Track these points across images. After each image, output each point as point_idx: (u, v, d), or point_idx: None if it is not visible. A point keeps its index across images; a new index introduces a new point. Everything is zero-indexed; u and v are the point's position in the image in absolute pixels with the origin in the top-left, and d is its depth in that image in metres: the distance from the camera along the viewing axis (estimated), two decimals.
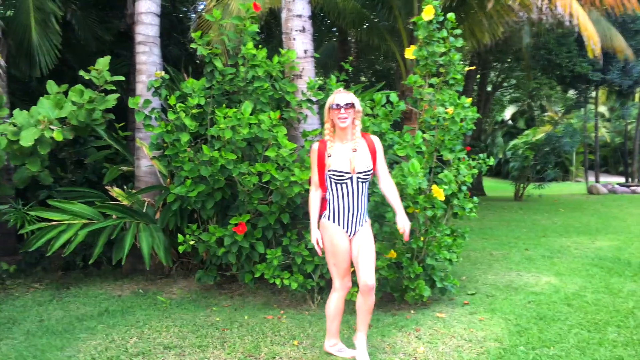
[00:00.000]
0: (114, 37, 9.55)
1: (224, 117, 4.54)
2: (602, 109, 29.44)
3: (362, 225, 3.53)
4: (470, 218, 5.09)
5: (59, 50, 7.48)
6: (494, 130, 32.15)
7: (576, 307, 4.90)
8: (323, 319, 4.57)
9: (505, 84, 19.15)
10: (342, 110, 3.38)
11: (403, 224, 3.48)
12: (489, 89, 18.30)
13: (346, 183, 3.42)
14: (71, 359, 3.77)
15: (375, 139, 3.57)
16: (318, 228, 3.54)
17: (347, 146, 3.44)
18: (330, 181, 3.46)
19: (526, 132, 29.60)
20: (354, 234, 3.53)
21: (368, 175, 3.46)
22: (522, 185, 15.01)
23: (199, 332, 4.25)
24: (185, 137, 4.65)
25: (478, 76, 16.45)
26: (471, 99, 4.87)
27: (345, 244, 3.51)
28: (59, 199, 5.79)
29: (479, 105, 16.71)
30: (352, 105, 3.39)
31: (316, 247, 3.51)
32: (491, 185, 22.27)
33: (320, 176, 3.50)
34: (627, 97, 16.67)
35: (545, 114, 29.24)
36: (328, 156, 3.43)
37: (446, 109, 4.76)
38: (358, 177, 3.42)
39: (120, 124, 6.55)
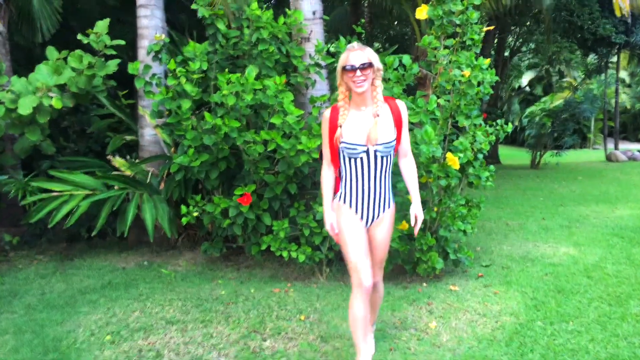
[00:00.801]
0: (119, 3, 9.28)
1: (227, 83, 4.32)
2: (623, 74, 28.61)
3: (383, 211, 2.92)
4: (486, 188, 4.86)
5: (63, 16, 7.24)
6: (510, 97, 31.43)
7: (596, 279, 4.69)
8: (331, 292, 4.43)
9: (523, 49, 18.55)
10: (358, 73, 2.69)
11: (416, 215, 2.93)
12: (506, 54, 17.75)
13: (361, 158, 2.79)
14: (70, 334, 3.66)
15: (402, 105, 2.88)
16: (332, 210, 2.97)
17: (366, 113, 2.79)
18: (343, 155, 2.83)
19: (543, 99, 28.94)
20: (372, 222, 2.94)
21: (390, 148, 2.80)
22: (538, 153, 14.64)
23: (203, 307, 4.12)
24: (186, 104, 4.43)
25: (495, 40, 15.92)
26: (489, 60, 4.58)
27: (360, 233, 2.90)
28: (61, 169, 5.64)
29: (496, 71, 16.21)
30: (370, 65, 2.71)
31: (331, 233, 2.97)
32: (507, 153, 21.86)
33: (332, 150, 2.87)
34: None
35: (564, 79, 28.50)
36: (340, 126, 2.79)
37: (462, 71, 4.48)
38: (377, 150, 2.77)
39: (124, 92, 6.34)
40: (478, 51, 4.82)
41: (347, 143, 2.78)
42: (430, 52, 4.66)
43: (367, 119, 2.79)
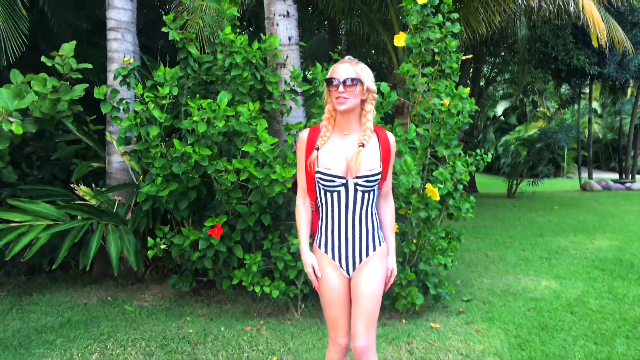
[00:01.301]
0: (92, 26, 9.07)
1: (198, 109, 4.12)
2: (595, 104, 29.23)
3: (367, 255, 2.43)
4: (466, 219, 4.72)
5: (33, 38, 6.99)
6: (486, 126, 31.87)
7: (580, 315, 4.54)
8: (306, 330, 4.20)
9: (498, 78, 18.79)
10: (341, 88, 2.30)
11: (391, 270, 2.51)
12: (482, 83, 17.94)
13: (339, 192, 2.37)
14: None
15: (392, 138, 2.47)
16: (311, 250, 2.51)
17: (349, 139, 2.38)
18: (319, 187, 2.40)
19: (518, 128, 29.37)
20: (354, 268, 2.45)
21: (373, 182, 2.37)
22: (515, 182, 14.68)
23: (169, 347, 3.84)
24: (154, 131, 4.21)
25: (471, 70, 16.08)
26: (469, 89, 4.48)
27: (338, 285, 2.44)
28: (23, 197, 5.34)
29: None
30: (358, 82, 2.31)
31: (312, 278, 2.47)
32: (483, 182, 21.95)
33: (308, 177, 2.44)
34: (621, 92, 16.35)
35: (538, 109, 28.99)
36: (317, 148, 2.38)
37: (442, 100, 4.36)
38: (357, 184, 2.35)
39: (92, 117, 6.09)
40: (457, 80, 4.73)
41: (323, 173, 2.35)
42: (408, 79, 4.54)
43: (349, 147, 2.37)
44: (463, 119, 4.57)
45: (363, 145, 2.34)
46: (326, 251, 2.44)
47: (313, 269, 2.46)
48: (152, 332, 4.15)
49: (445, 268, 4.57)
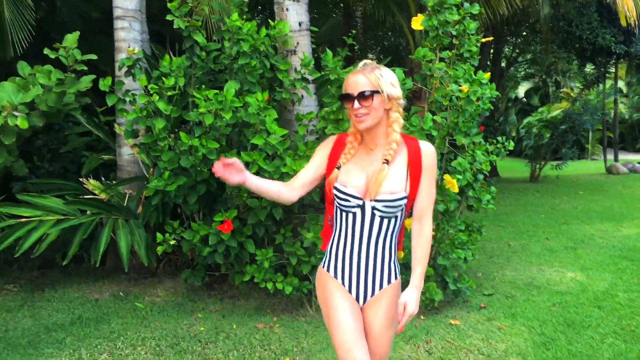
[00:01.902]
0: (103, 15, 8.95)
1: (205, 100, 3.96)
2: (620, 84, 28.43)
3: (380, 287, 2.10)
4: (487, 210, 4.51)
5: (43, 29, 6.90)
6: (508, 108, 31.25)
7: (608, 310, 4.33)
8: (321, 327, 4.06)
9: (520, 59, 18.28)
10: (356, 104, 1.98)
11: (405, 304, 2.05)
12: (503, 64, 17.48)
13: (354, 213, 2.04)
14: None
15: (426, 150, 2.06)
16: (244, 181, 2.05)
17: (374, 155, 2.06)
18: (336, 203, 2.09)
19: (540, 109, 28.69)
20: (365, 301, 2.12)
21: (394, 208, 2.00)
22: (537, 165, 14.30)
23: (179, 347, 3.73)
24: (160, 124, 4.07)
25: (492, 51, 15.65)
26: (489, 74, 4.24)
27: (349, 311, 2.09)
28: (34, 191, 5.27)
29: (493, 82, 15.96)
30: (374, 93, 1.97)
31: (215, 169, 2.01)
32: (505, 165, 21.48)
33: (327, 193, 2.11)
34: None
35: (561, 90, 28.28)
36: (338, 167, 2.09)
37: (460, 86, 4.14)
38: (375, 208, 2.01)
39: (102, 108, 5.98)
40: (476, 63, 4.50)
41: (339, 190, 2.04)
42: (424, 65, 4.32)
43: (373, 163, 2.04)
44: (483, 105, 4.34)
45: (387, 162, 2.00)
46: (335, 276, 2.12)
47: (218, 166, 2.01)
48: (163, 330, 4.05)
49: (465, 262, 4.39)
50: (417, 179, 2.04)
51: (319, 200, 4.39)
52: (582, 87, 18.76)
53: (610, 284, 5.01)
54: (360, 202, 2.03)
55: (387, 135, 2.05)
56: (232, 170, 2.03)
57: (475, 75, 4.15)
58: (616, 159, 17.33)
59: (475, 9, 4.24)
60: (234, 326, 4.11)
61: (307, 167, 2.21)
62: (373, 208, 2.01)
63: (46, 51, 4.46)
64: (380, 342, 2.11)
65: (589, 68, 18.19)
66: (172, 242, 4.31)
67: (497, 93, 4.30)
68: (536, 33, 14.13)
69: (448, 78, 4.27)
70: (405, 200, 2.02)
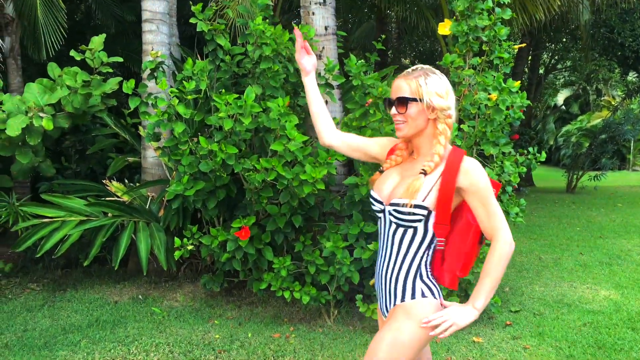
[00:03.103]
0: (136, 17, 9.08)
1: (225, 105, 3.91)
2: None
3: (392, 304, 1.98)
4: (515, 224, 4.32)
5: (79, 31, 7.02)
6: (546, 116, 30.54)
7: None
8: (337, 340, 3.95)
9: (559, 66, 17.79)
10: (393, 110, 1.94)
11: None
12: (541, 71, 17.04)
13: (380, 219, 2.03)
14: None
15: (466, 168, 1.88)
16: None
17: (414, 165, 1.99)
18: None
19: (580, 117, 27.94)
20: (387, 312, 2.03)
21: (402, 213, 1.89)
22: (575, 175, 13.85)
23: (192, 354, 3.68)
24: (179, 127, 4.03)
25: (529, 57, 15.27)
26: (519, 82, 4.06)
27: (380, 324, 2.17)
28: (59, 191, 5.32)
29: (530, 89, 15.54)
30: (410, 102, 1.89)
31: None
32: (541, 174, 21.00)
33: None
34: None
35: (602, 98, 27.46)
36: (380, 171, 2.09)
37: (489, 94, 3.97)
38: (389, 212, 1.94)
39: (129, 110, 6.01)
40: (508, 71, 4.33)
41: (371, 194, 2.05)
42: (452, 71, 4.17)
43: (409, 172, 1.97)
44: (513, 114, 4.16)
45: (425, 173, 1.88)
46: (376, 287, 2.08)
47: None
48: (178, 335, 4.00)
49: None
50: (449, 196, 1.87)
51: (339, 208, 4.29)
52: (623, 95, 18.11)
53: None
54: (382, 207, 1.98)
55: (432, 146, 1.94)
56: (305, 54, 2.25)
57: (505, 83, 3.97)
58: None
59: (507, 14, 4.07)
60: (249, 335, 4.03)
61: (365, 138, 2.19)
62: (389, 213, 1.95)
63: (72, 53, 4.48)
64: (378, 339, 1.92)
65: (631, 76, 17.60)
66: (190, 247, 4.26)
67: (528, 102, 4.11)
68: (576, 40, 13.71)
69: (477, 86, 4.11)
70: (418, 211, 1.86)
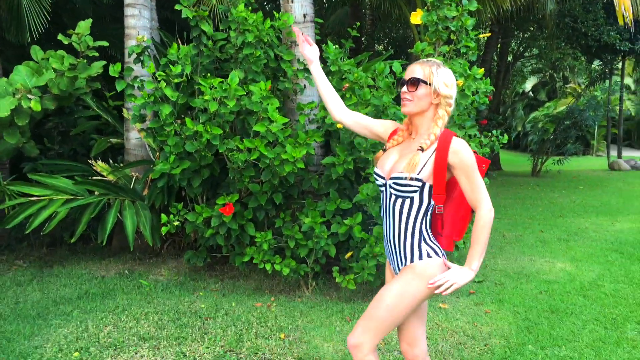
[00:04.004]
0: (113, 1, 9.13)
1: (210, 88, 4.14)
2: (628, 80, 28.37)
3: (404, 264, 2.24)
4: None
5: (55, 14, 7.08)
6: (514, 102, 31.28)
7: (592, 299, 4.50)
8: (315, 308, 4.26)
9: (527, 54, 18.32)
10: (404, 88, 2.22)
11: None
12: (509, 58, 17.53)
13: (382, 192, 2.30)
14: (37, 349, 3.48)
15: (454, 149, 2.14)
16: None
17: (412, 143, 2.27)
18: None
19: (547, 104, 28.73)
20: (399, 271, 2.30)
21: (401, 185, 2.17)
22: (540, 160, 14.43)
23: (180, 321, 3.94)
24: (166, 109, 4.25)
25: (498, 45, 15.71)
26: (483, 69, 4.39)
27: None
28: (44, 171, 5.48)
29: (499, 75, 16.01)
30: (419, 82, 2.18)
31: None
32: (509, 159, 21.66)
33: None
34: None
35: (568, 85, 28.27)
36: (384, 149, 2.38)
37: (456, 80, 4.29)
38: (390, 185, 2.22)
39: (111, 93, 6.17)
40: (474, 58, 4.65)
41: (375, 171, 2.33)
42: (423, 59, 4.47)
43: (409, 149, 2.25)
44: (479, 99, 4.50)
45: (422, 150, 2.16)
46: (385, 250, 2.37)
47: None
48: (165, 305, 4.26)
49: (457, 249, 4.56)
50: (441, 169, 2.15)
51: (317, 187, 4.59)
52: (586, 83, 18.78)
53: (598, 274, 5.18)
54: (384, 181, 2.26)
55: (429, 127, 2.21)
56: (307, 46, 2.57)
57: (470, 70, 4.29)
58: (620, 156, 17.42)
59: (473, 5, 4.38)
60: (233, 304, 4.32)
61: (371, 118, 2.50)
62: (389, 186, 2.22)
63: (60, 37, 4.64)
64: (377, 300, 2.23)
65: (596, 64, 18.24)
66: (176, 224, 4.50)
67: (492, 88, 4.45)
68: (542, 29, 14.20)
69: None
70: (414, 182, 2.15)
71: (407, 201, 2.19)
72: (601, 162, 20.03)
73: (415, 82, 2.18)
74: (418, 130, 2.26)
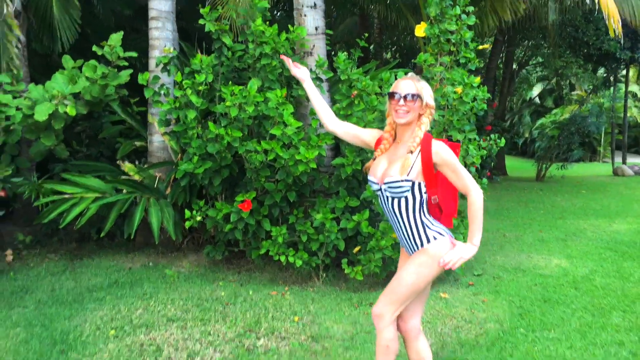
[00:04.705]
0: (133, 12, 9.60)
1: (231, 95, 4.56)
2: (635, 87, 28.59)
3: (416, 249, 2.62)
4: None
5: (79, 24, 7.55)
6: (521, 109, 31.55)
7: (583, 291, 4.85)
8: (326, 296, 4.64)
9: (531, 62, 18.67)
10: (402, 102, 2.56)
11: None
12: (515, 66, 17.88)
13: (379, 195, 2.67)
14: (77, 328, 3.90)
15: (435, 150, 2.53)
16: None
17: (399, 148, 2.62)
18: None
19: (554, 111, 28.96)
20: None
21: (395, 187, 2.54)
22: (544, 165, 14.74)
23: (203, 306, 4.34)
24: (192, 114, 4.68)
25: (503, 53, 16.08)
26: (479, 78, 4.78)
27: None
28: (73, 172, 5.91)
29: (504, 83, 16.36)
30: (417, 97, 2.55)
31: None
32: (515, 165, 21.95)
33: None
34: None
35: (574, 92, 28.52)
36: (374, 158, 2.72)
37: (455, 88, 4.68)
38: (385, 190, 2.59)
39: (135, 99, 6.61)
40: (474, 68, 5.03)
41: (369, 178, 2.68)
42: (425, 68, 4.87)
43: (397, 155, 2.61)
44: (478, 105, 4.88)
45: (411, 152, 2.52)
46: (399, 239, 2.74)
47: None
48: (189, 293, 4.66)
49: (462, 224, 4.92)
50: (428, 167, 2.53)
51: (327, 186, 4.99)
52: (589, 90, 19.08)
53: (591, 270, 5.52)
54: (378, 186, 2.62)
55: (412, 133, 2.58)
56: (297, 69, 2.94)
57: (467, 78, 4.68)
58: (624, 162, 17.67)
59: (472, 20, 4.77)
60: (250, 292, 4.71)
61: (360, 128, 2.88)
62: (384, 190, 2.59)
63: (95, 48, 5.09)
64: (396, 278, 2.66)
65: (601, 72, 18.54)
66: (199, 219, 4.91)
67: (488, 95, 4.83)
68: (545, 38, 14.57)
69: (446, 81, 4.81)
70: (406, 184, 2.51)
71: (403, 200, 2.56)
72: (607, 168, 20.26)
73: (414, 98, 2.54)
74: (402, 137, 2.62)
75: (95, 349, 3.58)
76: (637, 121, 28.47)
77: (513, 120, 31.34)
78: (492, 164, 14.73)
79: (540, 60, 17.72)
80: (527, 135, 31.33)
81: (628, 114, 18.91)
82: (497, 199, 10.76)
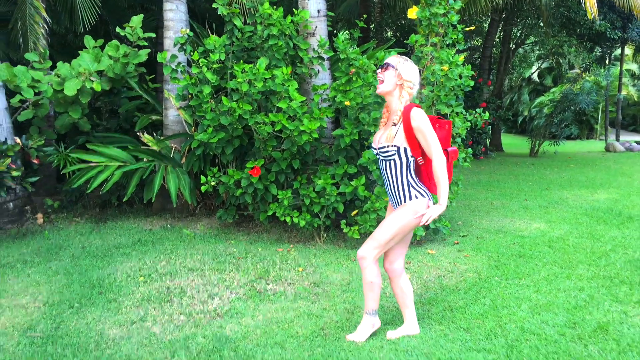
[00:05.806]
0: None
1: (242, 72, 5.10)
2: (633, 66, 28.93)
3: (401, 203, 3.16)
4: (464, 167, 5.62)
5: (99, 6, 8.06)
6: (520, 87, 31.92)
7: (556, 249, 5.43)
8: (327, 253, 5.24)
9: (528, 41, 19.07)
10: (378, 70, 3.10)
11: (430, 206, 3.13)
12: (512, 45, 18.28)
13: (379, 158, 3.23)
14: (110, 275, 4.50)
15: (412, 113, 3.02)
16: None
17: (389, 121, 3.17)
18: None
19: (553, 89, 29.36)
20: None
21: (385, 154, 3.11)
22: (537, 142, 15.27)
23: (218, 259, 4.95)
24: (207, 90, 5.22)
25: (500, 32, 16.48)
26: (463, 57, 5.30)
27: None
28: (96, 143, 6.48)
29: (500, 61, 16.80)
30: (387, 66, 3.06)
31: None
32: (512, 142, 22.47)
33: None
34: None
35: (573, 71, 28.86)
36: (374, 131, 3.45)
37: (442, 66, 5.21)
38: (378, 153, 3.18)
39: (150, 76, 7.14)
40: (462, 47, 5.55)
41: (372, 145, 3.27)
42: (417, 48, 5.40)
43: (388, 125, 3.16)
44: (465, 82, 5.41)
45: (394, 124, 3.08)
46: (388, 196, 3.33)
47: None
48: (205, 249, 5.26)
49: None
50: (411, 134, 3.03)
51: (328, 155, 5.55)
52: (581, 69, 19.50)
53: (566, 232, 6.10)
54: (376, 151, 3.21)
55: (397, 106, 3.10)
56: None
57: (452, 58, 5.21)
58: (617, 139, 18.20)
59: (458, 4, 5.28)
60: (260, 249, 5.31)
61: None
62: (378, 154, 3.19)
63: (118, 29, 5.61)
64: (380, 225, 3.22)
65: (597, 51, 18.94)
66: (213, 184, 5.49)
67: (472, 72, 5.36)
68: (539, 17, 14.97)
69: (435, 59, 5.34)
70: (392, 149, 3.07)
71: (392, 162, 3.13)
72: (600, 145, 20.79)
73: (385, 66, 3.08)
74: (390, 107, 3.16)
75: (128, 290, 4.19)
76: (634, 99, 28.86)
77: (512, 99, 31.75)
78: (488, 140, 15.27)
79: (535, 39, 18.12)
80: (526, 113, 31.77)
81: (625, 92, 19.35)
82: (490, 172, 11.33)
